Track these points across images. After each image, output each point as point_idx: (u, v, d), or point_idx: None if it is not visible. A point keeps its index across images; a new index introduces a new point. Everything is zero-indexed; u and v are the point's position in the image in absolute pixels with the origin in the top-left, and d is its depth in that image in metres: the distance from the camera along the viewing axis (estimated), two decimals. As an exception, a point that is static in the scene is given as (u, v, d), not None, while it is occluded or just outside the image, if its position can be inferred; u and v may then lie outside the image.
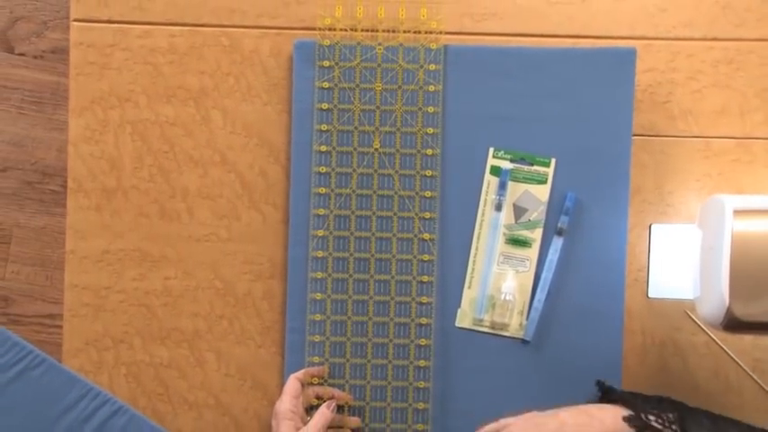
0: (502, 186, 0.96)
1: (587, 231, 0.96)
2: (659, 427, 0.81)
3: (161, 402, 0.99)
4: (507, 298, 0.96)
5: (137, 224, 1.00)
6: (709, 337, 0.98)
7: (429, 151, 0.97)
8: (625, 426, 0.82)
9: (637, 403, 0.83)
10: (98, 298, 1.00)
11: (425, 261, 0.97)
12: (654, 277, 0.98)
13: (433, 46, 0.97)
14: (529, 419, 0.83)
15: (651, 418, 0.82)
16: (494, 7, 0.99)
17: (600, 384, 0.91)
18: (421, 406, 0.96)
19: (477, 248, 0.97)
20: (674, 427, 0.82)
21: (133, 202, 1.00)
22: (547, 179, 0.96)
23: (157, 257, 1.00)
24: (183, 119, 1.00)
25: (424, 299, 0.96)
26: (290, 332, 0.97)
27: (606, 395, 0.89)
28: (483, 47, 0.98)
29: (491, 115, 0.97)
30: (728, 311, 0.83)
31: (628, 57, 0.96)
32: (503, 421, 0.84)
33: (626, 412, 0.83)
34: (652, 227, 0.99)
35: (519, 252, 0.96)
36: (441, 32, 0.97)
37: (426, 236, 0.97)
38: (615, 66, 0.96)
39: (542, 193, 0.96)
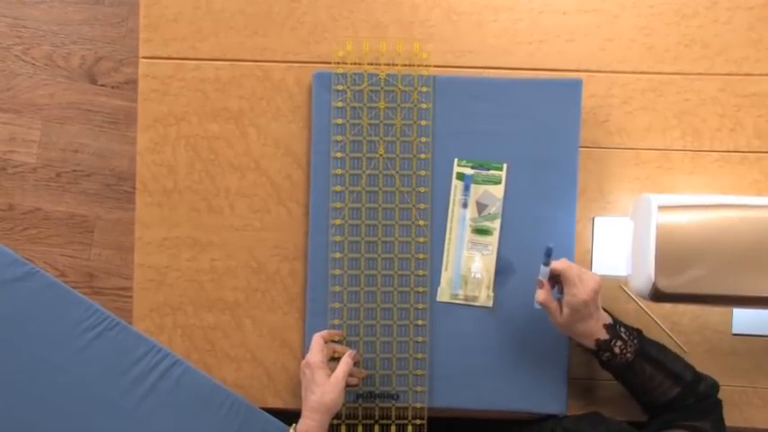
0: (466, 188, 0.94)
1: (544, 223, 0.94)
2: (625, 337, 0.84)
3: (209, 357, 0.98)
4: (477, 276, 0.94)
5: (189, 217, 0.98)
6: (639, 305, 0.96)
7: (422, 155, 0.95)
8: (603, 330, 0.84)
9: (617, 320, 0.86)
10: (160, 275, 0.98)
11: (421, 242, 0.95)
12: (596, 258, 0.97)
13: (425, 73, 0.95)
14: (594, 293, 0.82)
15: (623, 329, 0.85)
16: (471, 46, 0.98)
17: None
18: (420, 356, 0.94)
19: (450, 239, 0.95)
20: (635, 341, 0.84)
21: (186, 200, 0.98)
22: (501, 180, 0.94)
23: (205, 243, 0.98)
24: (225, 134, 0.98)
25: (421, 272, 0.95)
26: (310, 302, 0.95)
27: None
28: (462, 77, 0.97)
29: (467, 130, 0.95)
30: (654, 285, 0.83)
31: (575, 86, 0.95)
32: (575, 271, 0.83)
33: (608, 320, 0.84)
34: (595, 219, 0.97)
35: (483, 239, 0.95)
36: (429, 65, 0.96)
37: (421, 222, 0.95)
38: (566, 93, 0.95)
39: (498, 191, 0.94)
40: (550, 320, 0.85)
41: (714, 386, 0.85)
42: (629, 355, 0.83)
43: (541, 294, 0.84)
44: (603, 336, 0.83)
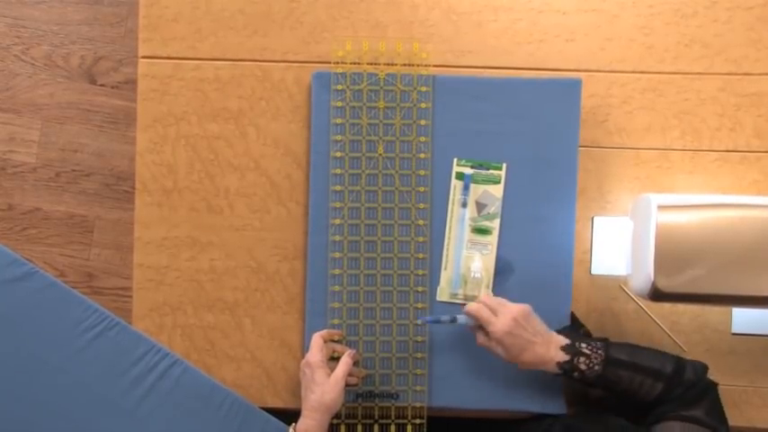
0: (465, 188, 0.94)
1: (543, 222, 0.94)
2: (588, 352, 0.82)
3: (208, 357, 0.97)
4: (476, 275, 0.94)
5: (189, 217, 0.98)
6: (638, 305, 0.96)
7: (422, 155, 0.95)
8: (561, 352, 0.82)
9: (574, 336, 0.84)
10: (159, 275, 0.98)
11: (420, 242, 0.95)
12: (596, 258, 0.97)
13: (424, 72, 0.95)
14: (515, 322, 0.82)
15: (583, 345, 0.83)
16: (471, 46, 0.97)
17: (572, 316, 0.93)
18: (419, 355, 0.94)
19: (449, 238, 0.95)
20: (600, 351, 0.82)
21: (186, 200, 0.98)
22: (500, 180, 0.94)
23: (205, 243, 0.97)
24: (225, 134, 0.97)
25: (420, 271, 0.95)
26: (309, 302, 0.95)
27: (571, 324, 0.92)
28: (462, 76, 0.96)
29: (466, 129, 0.95)
30: (653, 285, 0.83)
31: (575, 85, 0.95)
32: (496, 304, 0.84)
33: (564, 342, 0.83)
34: (594, 218, 0.97)
35: (482, 239, 0.94)
36: (429, 65, 0.96)
37: (421, 221, 0.95)
38: (565, 92, 0.94)
39: (498, 191, 0.94)
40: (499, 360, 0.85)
41: (700, 369, 0.82)
42: (596, 367, 0.81)
43: (480, 338, 0.85)
44: (562, 357, 0.82)
